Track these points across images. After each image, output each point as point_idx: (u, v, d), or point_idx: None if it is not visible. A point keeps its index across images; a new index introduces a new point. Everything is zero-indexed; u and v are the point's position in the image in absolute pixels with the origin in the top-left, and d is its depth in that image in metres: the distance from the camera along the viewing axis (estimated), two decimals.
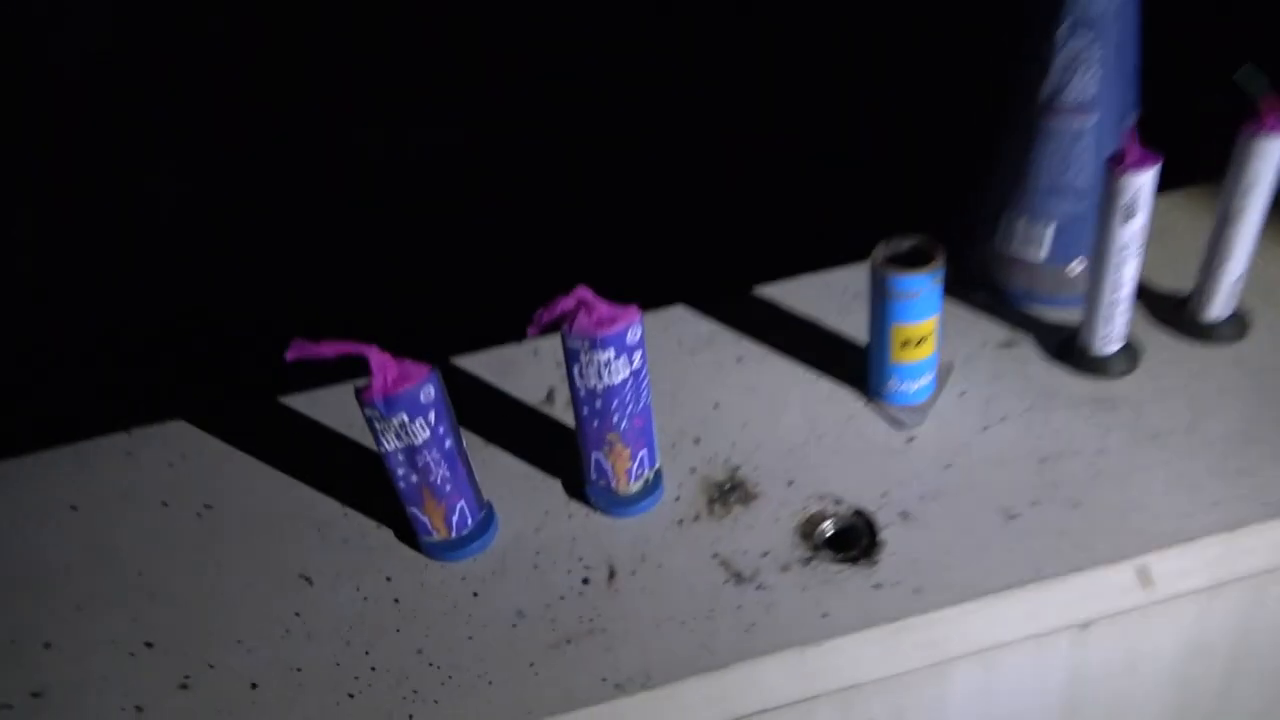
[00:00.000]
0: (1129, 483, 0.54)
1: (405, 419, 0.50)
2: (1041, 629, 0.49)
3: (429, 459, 0.53)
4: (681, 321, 0.72)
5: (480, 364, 0.70)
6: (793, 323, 0.70)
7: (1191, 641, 0.54)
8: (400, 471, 0.53)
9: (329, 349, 0.49)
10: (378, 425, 0.51)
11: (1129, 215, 0.55)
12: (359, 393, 0.50)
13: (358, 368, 0.50)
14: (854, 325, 0.69)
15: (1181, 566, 0.51)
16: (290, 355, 0.49)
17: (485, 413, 0.66)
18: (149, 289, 1.18)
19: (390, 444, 0.52)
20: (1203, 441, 0.56)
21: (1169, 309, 0.65)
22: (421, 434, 0.51)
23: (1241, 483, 0.54)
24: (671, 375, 0.67)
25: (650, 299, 0.76)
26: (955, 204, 0.72)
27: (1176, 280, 0.67)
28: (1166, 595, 0.50)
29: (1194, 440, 0.57)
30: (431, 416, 0.51)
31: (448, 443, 0.53)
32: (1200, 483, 0.54)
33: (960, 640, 0.49)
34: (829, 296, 0.72)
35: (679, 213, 1.16)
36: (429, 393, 0.51)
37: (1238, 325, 0.63)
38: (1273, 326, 0.63)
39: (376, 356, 0.50)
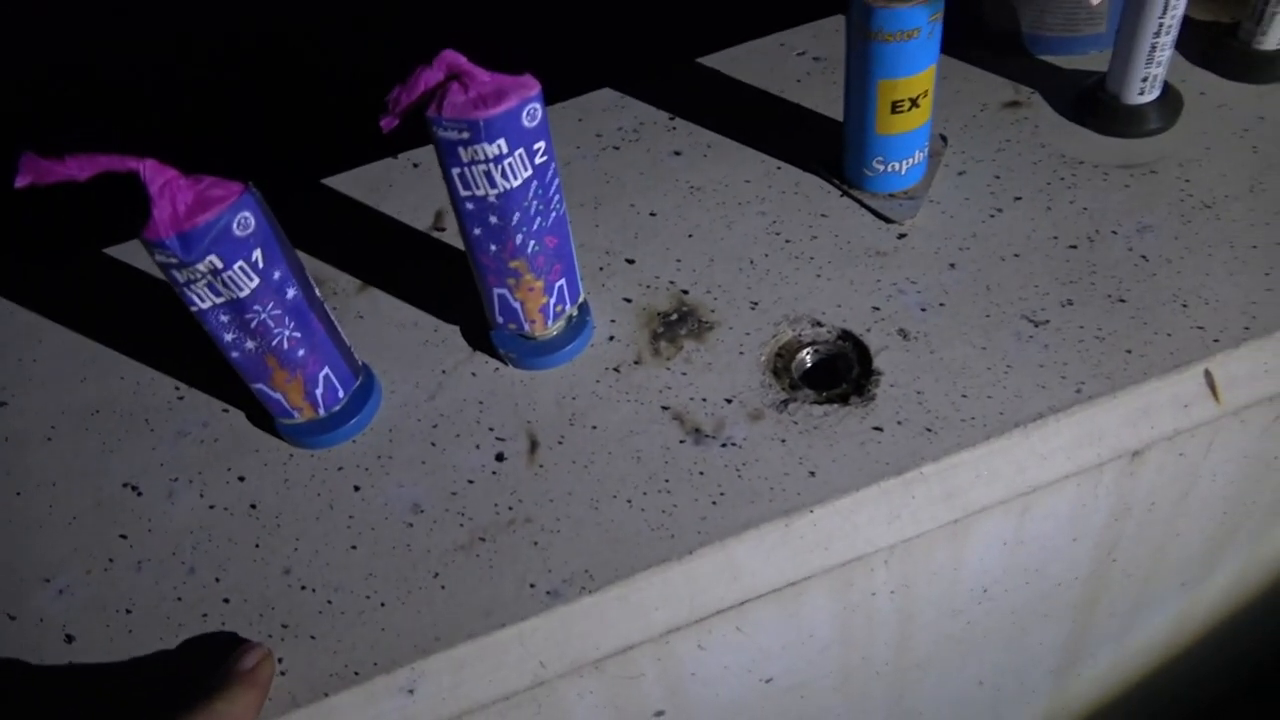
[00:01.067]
0: (1184, 266, 0.43)
1: (217, 263, 0.35)
2: (1086, 464, 0.39)
3: (265, 316, 0.38)
4: (599, 110, 0.56)
5: (343, 188, 0.55)
6: (741, 101, 0.55)
7: (1254, 455, 0.44)
8: (228, 337, 0.38)
9: (79, 166, 0.33)
10: (178, 275, 0.36)
11: None
12: (139, 230, 0.35)
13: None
14: (816, 98, 0.55)
15: (1257, 368, 0.40)
16: (19, 180, 0.33)
17: (355, 249, 0.51)
18: None
19: (204, 299, 0.37)
20: (1270, 205, 0.44)
21: (1211, 41, 0.52)
22: (246, 282, 0.37)
23: None
24: (593, 180, 0.52)
25: (556, 85, 0.60)
26: None
27: (1209, 6, 0.53)
28: (1238, 405, 0.40)
29: (1259, 205, 0.45)
30: (257, 256, 0.37)
31: (290, 291, 0.39)
32: (1273, 258, 0.42)
33: (985, 488, 0.38)
34: (783, 65, 0.57)
35: None
36: (246, 221, 0.36)
37: None
38: None
39: (155, 173, 0.34)
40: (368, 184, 0.55)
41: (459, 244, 0.51)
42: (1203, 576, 0.52)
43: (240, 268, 0.36)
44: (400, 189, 0.54)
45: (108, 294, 0.51)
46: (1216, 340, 0.40)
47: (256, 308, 0.38)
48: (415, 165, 0.55)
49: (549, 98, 0.60)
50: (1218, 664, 0.64)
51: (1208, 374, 0.40)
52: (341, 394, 0.43)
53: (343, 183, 0.55)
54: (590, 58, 0.70)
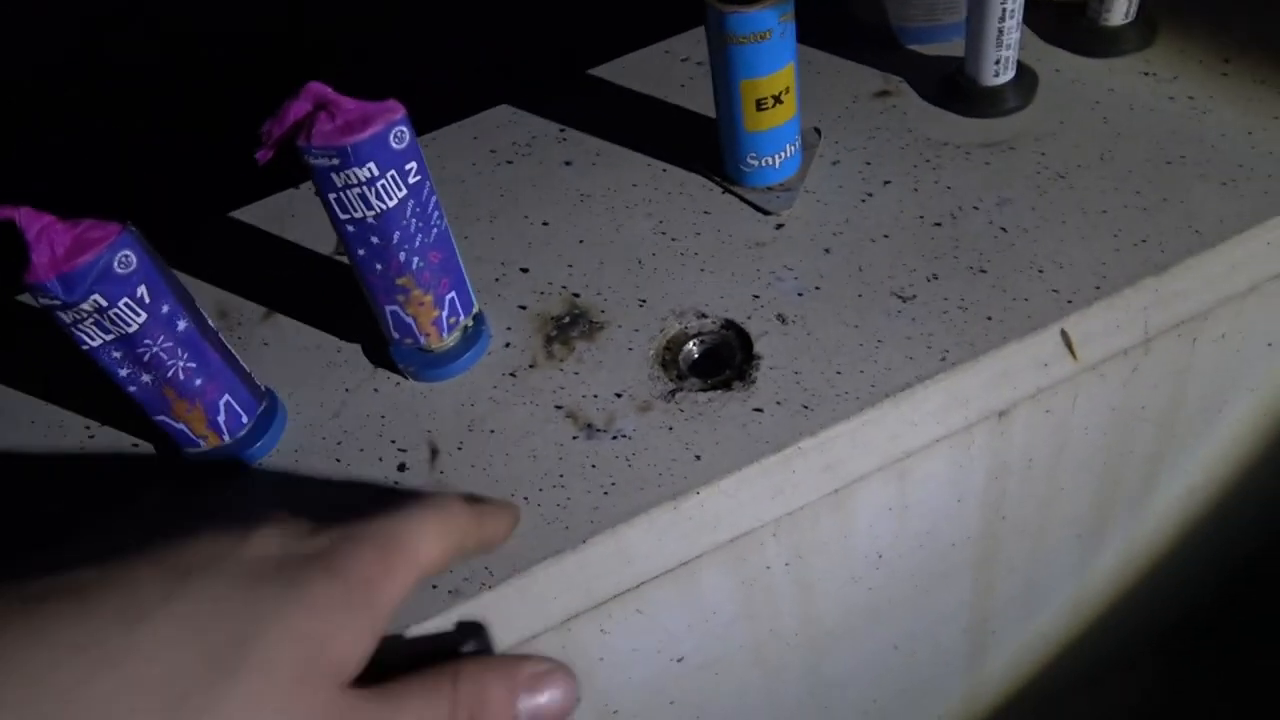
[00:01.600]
0: (1040, 234, 0.45)
1: (102, 301, 0.37)
2: (954, 427, 0.41)
3: (157, 350, 0.39)
4: (494, 128, 0.58)
5: (247, 219, 0.56)
6: (629, 109, 0.57)
7: (1121, 408, 0.46)
8: (122, 373, 0.40)
9: None
10: (64, 316, 0.37)
11: None
12: (19, 275, 0.36)
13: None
14: (698, 99, 0.57)
15: (1109, 324, 0.42)
16: None
17: (260, 278, 0.52)
18: None
19: (93, 337, 0.38)
20: (1119, 172, 0.47)
21: (1062, 20, 0.54)
22: (134, 318, 0.38)
23: (1167, 211, 0.45)
24: (488, 195, 0.54)
25: (458, 105, 0.61)
26: None
27: None
28: (1094, 360, 0.42)
29: (1108, 172, 0.47)
30: (142, 292, 0.38)
31: (180, 323, 0.40)
32: (1120, 220, 0.45)
33: (862, 458, 0.40)
34: (668, 71, 0.59)
35: None
36: (127, 260, 0.37)
37: (1144, 28, 0.53)
38: (1182, 24, 0.54)
39: (31, 219, 0.35)
40: (271, 214, 0.56)
41: None
42: (1097, 529, 0.54)
43: (125, 304, 0.37)
44: (302, 217, 0.55)
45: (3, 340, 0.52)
46: (1070, 301, 0.42)
47: (147, 341, 0.39)
48: (317, 193, 0.56)
49: (449, 118, 0.62)
50: (1130, 621, 0.66)
51: (1063, 333, 0.42)
52: (245, 419, 0.44)
53: (247, 214, 0.56)
54: (492, 76, 0.72)
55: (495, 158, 0.56)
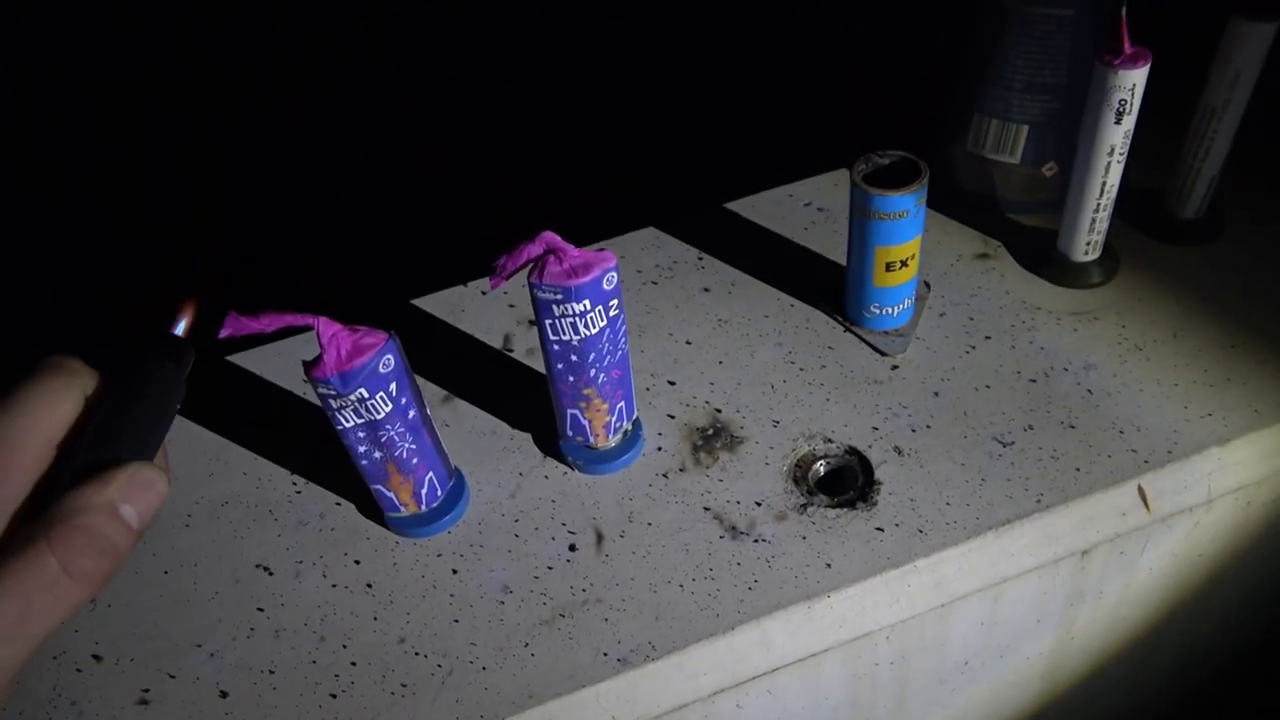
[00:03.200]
0: (1120, 399, 0.53)
1: (364, 393, 0.45)
2: (1044, 560, 0.48)
3: (393, 433, 0.48)
4: (639, 249, 0.67)
5: (427, 308, 0.65)
6: (757, 243, 0.66)
7: (1182, 555, 0.54)
8: (362, 449, 0.48)
9: (269, 322, 0.43)
10: (333, 403, 0.45)
11: (1120, 114, 0.52)
12: (308, 369, 0.44)
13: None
14: (820, 242, 0.66)
15: (1178, 485, 0.50)
16: (224, 333, 0.42)
17: (439, 365, 0.61)
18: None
19: (348, 421, 0.46)
20: (1189, 350, 0.55)
21: (1142, 207, 0.63)
22: (383, 408, 0.46)
23: (1231, 390, 0.53)
24: (637, 311, 0.63)
25: (596, 223, 0.70)
26: (921, 107, 0.68)
27: (1145, 174, 0.65)
28: (1164, 514, 0.50)
29: (1180, 349, 0.55)
30: (393, 388, 0.46)
31: (411, 413, 0.48)
32: (1190, 394, 0.53)
33: (966, 580, 0.48)
34: (793, 212, 0.68)
35: (608, 127, 1.08)
36: (388, 363, 0.46)
37: (1213, 224, 0.62)
38: (1247, 223, 0.62)
39: (326, 327, 0.44)
40: (445, 306, 0.65)
41: (527, 363, 0.61)
42: (1151, 653, 0.61)
43: (380, 396, 0.46)
44: (472, 313, 0.64)
45: (228, 398, 0.60)
46: (1146, 461, 0.50)
47: (387, 427, 0.47)
48: (484, 293, 0.65)
49: (602, 234, 0.71)
50: None
51: (1140, 489, 0.50)
52: (440, 493, 0.52)
53: (426, 304, 0.65)
54: (637, 198, 0.81)
55: (641, 277, 0.65)
